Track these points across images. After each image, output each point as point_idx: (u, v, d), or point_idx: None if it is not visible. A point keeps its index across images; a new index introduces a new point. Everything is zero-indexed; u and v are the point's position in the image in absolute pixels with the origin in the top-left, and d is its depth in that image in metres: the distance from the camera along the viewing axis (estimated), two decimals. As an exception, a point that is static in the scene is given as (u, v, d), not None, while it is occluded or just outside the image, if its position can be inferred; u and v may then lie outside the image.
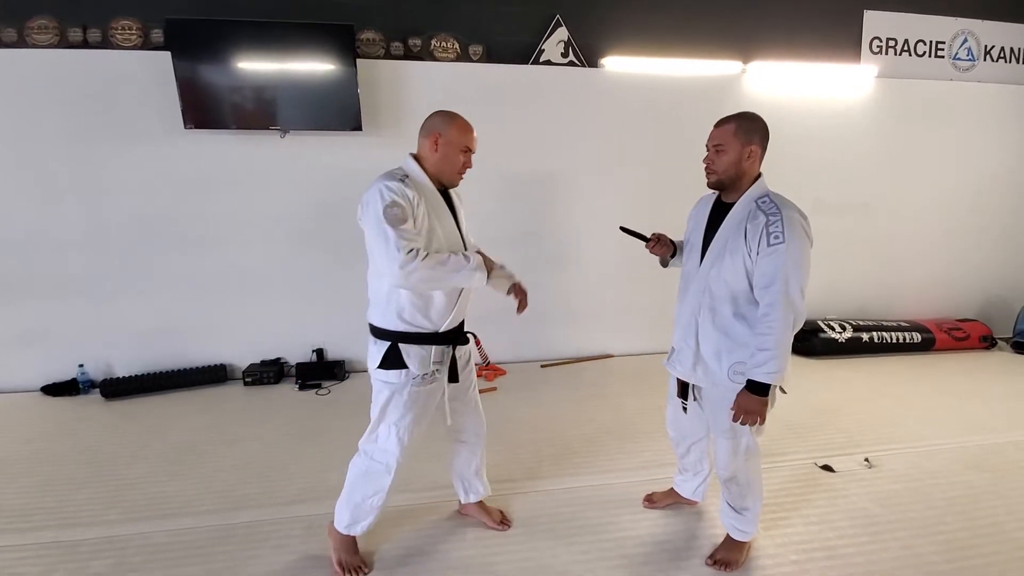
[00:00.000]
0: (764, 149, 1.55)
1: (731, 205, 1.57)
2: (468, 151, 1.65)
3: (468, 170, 1.68)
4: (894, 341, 3.87)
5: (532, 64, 3.38)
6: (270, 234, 3.32)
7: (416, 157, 1.65)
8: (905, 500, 2.16)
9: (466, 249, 1.70)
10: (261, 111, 3.05)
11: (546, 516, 2.06)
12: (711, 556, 1.81)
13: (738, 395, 1.51)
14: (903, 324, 3.97)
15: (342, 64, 3.04)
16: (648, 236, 1.84)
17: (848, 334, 3.83)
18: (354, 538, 1.80)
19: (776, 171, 3.78)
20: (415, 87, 3.25)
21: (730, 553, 1.79)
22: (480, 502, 2.02)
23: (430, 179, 1.63)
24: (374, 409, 1.69)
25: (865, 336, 3.84)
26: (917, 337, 3.91)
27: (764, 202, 1.50)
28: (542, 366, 3.63)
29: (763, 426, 1.61)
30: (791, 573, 1.78)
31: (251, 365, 3.39)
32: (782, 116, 3.72)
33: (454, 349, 1.73)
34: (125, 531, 1.98)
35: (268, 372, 3.33)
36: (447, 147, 1.61)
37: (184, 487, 2.25)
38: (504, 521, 2.01)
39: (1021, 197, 4.20)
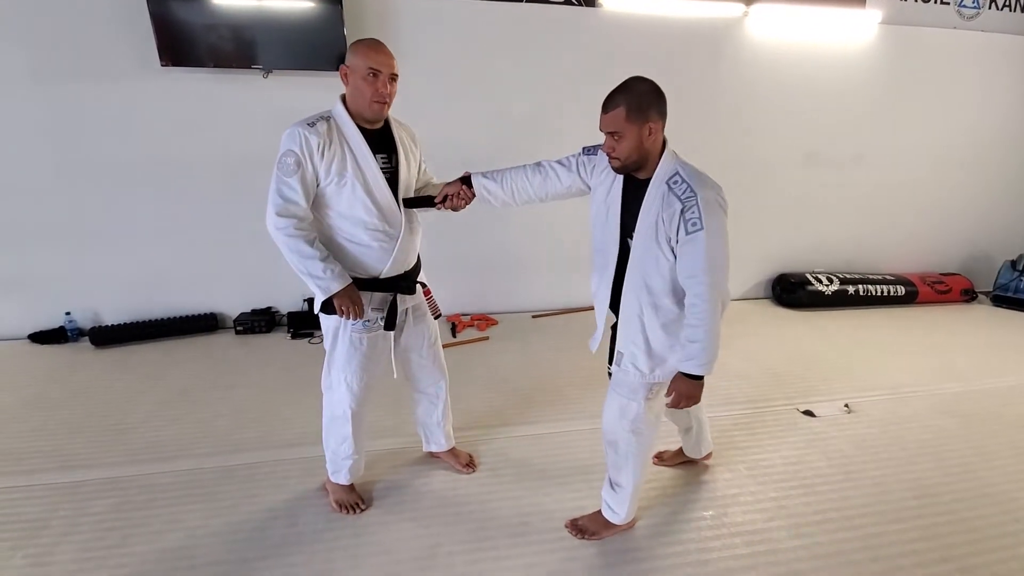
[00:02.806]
0: (664, 116, 1.39)
1: (643, 182, 1.44)
2: (375, 73, 1.47)
3: (391, 99, 1.52)
4: (879, 294, 3.95)
5: (527, 2, 3.22)
6: (257, 179, 3.20)
7: (344, 97, 1.57)
8: (880, 443, 2.26)
9: (397, 198, 1.60)
10: (242, 49, 2.89)
11: (539, 458, 2.14)
12: (574, 520, 1.77)
13: (674, 380, 1.48)
14: (888, 277, 4.04)
15: (327, -2, 2.87)
16: (434, 199, 1.67)
17: (835, 287, 3.90)
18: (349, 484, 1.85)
19: (773, 119, 3.76)
20: (404, 24, 3.10)
21: (592, 523, 1.74)
22: (452, 447, 2.07)
23: (355, 120, 1.54)
24: (326, 347, 1.71)
25: (851, 289, 3.91)
26: (901, 290, 3.99)
27: (676, 183, 1.37)
28: (533, 316, 3.66)
29: (657, 409, 1.59)
30: (771, 508, 1.87)
31: (242, 314, 3.37)
32: (782, 62, 3.63)
33: (395, 297, 1.69)
34: (126, 472, 2.01)
35: (259, 321, 3.32)
36: (353, 76, 1.49)
37: (182, 431, 2.28)
38: (470, 464, 2.05)
39: (1012, 151, 4.20)
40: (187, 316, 3.30)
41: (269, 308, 3.42)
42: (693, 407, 1.87)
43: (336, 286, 1.53)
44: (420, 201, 1.70)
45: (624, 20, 3.34)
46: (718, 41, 3.50)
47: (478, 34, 3.20)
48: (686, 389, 1.47)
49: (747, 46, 3.54)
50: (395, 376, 1.80)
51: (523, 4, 3.22)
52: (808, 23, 3.56)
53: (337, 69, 2.90)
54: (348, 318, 1.58)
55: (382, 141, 1.59)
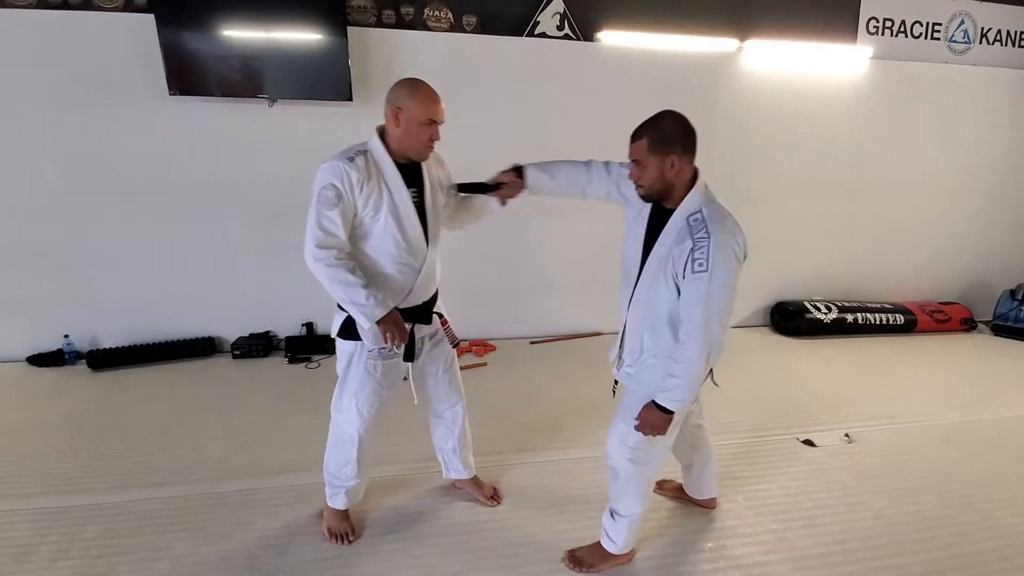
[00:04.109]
0: (691, 151, 1.42)
1: (669, 212, 1.45)
2: (433, 123, 1.54)
3: (437, 142, 1.58)
4: (878, 322, 3.94)
5: (527, 37, 3.32)
6: (259, 205, 3.27)
7: (382, 130, 1.59)
8: (881, 473, 2.23)
9: (427, 231, 1.62)
10: (249, 78, 2.98)
11: (534, 487, 2.11)
12: (571, 551, 1.74)
13: (645, 407, 1.48)
14: (887, 306, 4.04)
15: (332, 31, 2.97)
16: (488, 185, 1.71)
17: (833, 315, 3.90)
18: (344, 510, 1.83)
19: (769, 150, 3.83)
20: (407, 57, 3.19)
21: (590, 555, 1.71)
22: (474, 477, 2.05)
23: (393, 155, 1.56)
24: (339, 371, 1.72)
25: (850, 317, 3.91)
26: (900, 319, 3.98)
27: (695, 220, 1.39)
28: (531, 343, 3.66)
29: (660, 438, 1.55)
30: (770, 540, 1.84)
31: (240, 338, 3.37)
32: (777, 95, 3.71)
33: (413, 327, 1.70)
34: (117, 498, 1.99)
35: (257, 345, 3.32)
36: (409, 122, 1.52)
37: (175, 457, 2.26)
38: (495, 497, 2.03)
39: (1007, 183, 4.24)
40: (185, 340, 3.30)
41: (267, 332, 3.43)
42: (699, 441, 1.87)
43: (380, 312, 1.54)
44: (475, 187, 1.73)
45: (622, 54, 3.43)
46: (714, 75, 3.58)
47: (480, 68, 3.29)
48: (651, 418, 1.47)
49: (742, 79, 3.63)
50: (415, 402, 1.78)
51: (523, 39, 3.31)
52: (801, 58, 3.66)
53: (341, 98, 3.03)
54: (392, 343, 1.59)
55: (413, 175, 1.62)
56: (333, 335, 1.68)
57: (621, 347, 1.62)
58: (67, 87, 2.92)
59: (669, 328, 1.46)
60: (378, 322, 1.54)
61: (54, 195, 3.06)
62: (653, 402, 1.45)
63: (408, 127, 1.53)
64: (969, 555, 1.79)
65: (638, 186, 1.47)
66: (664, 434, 1.49)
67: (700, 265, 1.34)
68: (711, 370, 1.55)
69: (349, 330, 1.62)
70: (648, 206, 1.53)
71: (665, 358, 1.47)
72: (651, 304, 1.48)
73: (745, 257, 1.42)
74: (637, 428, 1.51)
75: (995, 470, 2.27)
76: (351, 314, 1.57)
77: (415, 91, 1.53)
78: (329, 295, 1.54)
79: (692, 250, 1.36)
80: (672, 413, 1.44)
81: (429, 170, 1.67)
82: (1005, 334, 4.04)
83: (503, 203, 1.76)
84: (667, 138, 1.39)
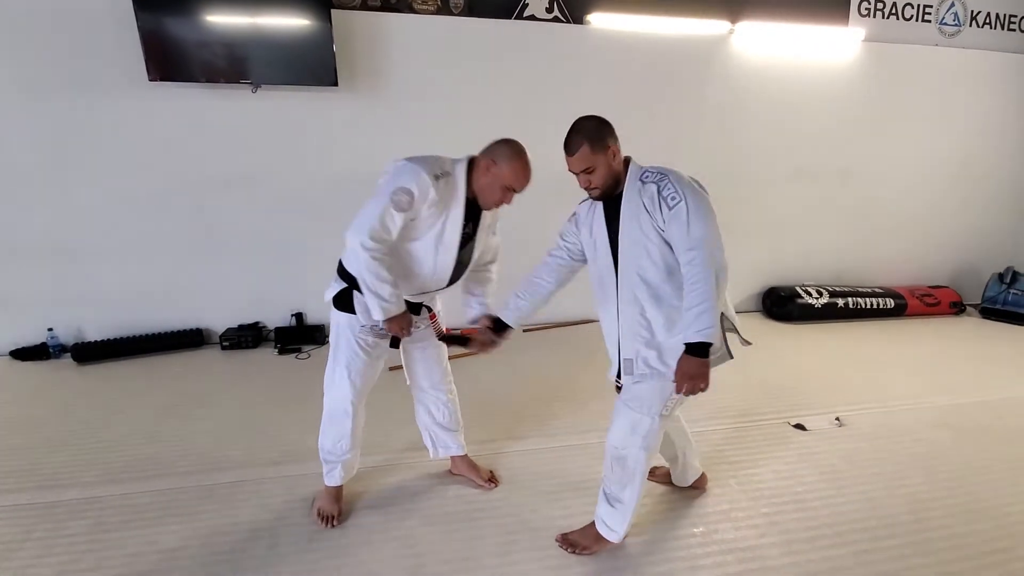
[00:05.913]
0: (617, 138, 1.52)
1: (620, 194, 1.52)
2: (511, 191, 1.63)
3: (505, 205, 1.67)
4: (868, 307, 3.97)
5: (516, 19, 3.26)
6: (245, 193, 3.21)
7: (471, 163, 1.64)
8: (871, 457, 2.25)
9: (458, 269, 1.68)
10: (231, 64, 2.90)
11: (527, 474, 2.10)
12: (564, 534, 1.75)
13: (680, 362, 1.44)
14: (877, 290, 4.06)
15: (316, 14, 2.90)
16: (468, 343, 1.80)
17: (824, 300, 3.91)
18: (339, 488, 1.85)
19: (760, 134, 3.80)
20: (393, 41, 3.12)
21: (584, 538, 1.71)
22: (468, 460, 2.05)
23: (467, 191, 1.62)
24: (331, 341, 1.78)
25: (841, 302, 3.93)
26: (890, 303, 4.01)
27: (647, 176, 1.48)
28: (523, 330, 3.64)
29: (662, 420, 1.56)
30: (762, 524, 1.85)
31: (228, 329, 3.33)
32: (768, 79, 3.68)
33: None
34: (103, 492, 1.96)
35: (246, 336, 3.28)
36: (494, 178, 1.60)
37: (163, 449, 2.23)
38: (492, 479, 2.04)
39: (996, 167, 4.26)
40: (172, 332, 3.26)
41: (256, 323, 3.39)
42: (674, 429, 1.86)
43: (395, 311, 1.61)
44: (457, 340, 1.82)
45: (612, 37, 3.38)
46: (705, 58, 3.55)
47: (467, 51, 3.23)
48: (689, 367, 1.42)
49: (734, 63, 3.60)
50: (408, 383, 1.89)
51: (512, 21, 3.26)
52: (792, 40, 3.63)
53: (326, 83, 2.97)
54: (399, 334, 1.67)
55: (472, 211, 1.66)
56: (327, 299, 1.72)
57: (620, 361, 1.59)
58: (43, 74, 2.84)
59: (670, 282, 1.47)
60: (388, 318, 1.60)
61: (32, 186, 2.98)
62: (684, 352, 1.43)
63: (491, 182, 1.61)
64: (959, 537, 1.81)
65: (592, 190, 1.52)
66: (706, 385, 1.45)
67: (674, 198, 1.40)
68: (739, 333, 1.61)
69: (344, 301, 1.67)
70: (598, 214, 1.58)
71: (675, 313, 1.47)
72: (644, 275, 1.48)
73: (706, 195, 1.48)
74: (679, 390, 1.47)
75: (984, 452, 2.29)
76: (367, 301, 1.59)
77: (514, 158, 1.59)
78: (319, 284, 1.54)
79: (659, 191, 1.43)
80: (707, 356, 1.41)
81: (485, 216, 1.71)
82: (993, 317, 4.09)
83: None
84: (600, 135, 1.48)
